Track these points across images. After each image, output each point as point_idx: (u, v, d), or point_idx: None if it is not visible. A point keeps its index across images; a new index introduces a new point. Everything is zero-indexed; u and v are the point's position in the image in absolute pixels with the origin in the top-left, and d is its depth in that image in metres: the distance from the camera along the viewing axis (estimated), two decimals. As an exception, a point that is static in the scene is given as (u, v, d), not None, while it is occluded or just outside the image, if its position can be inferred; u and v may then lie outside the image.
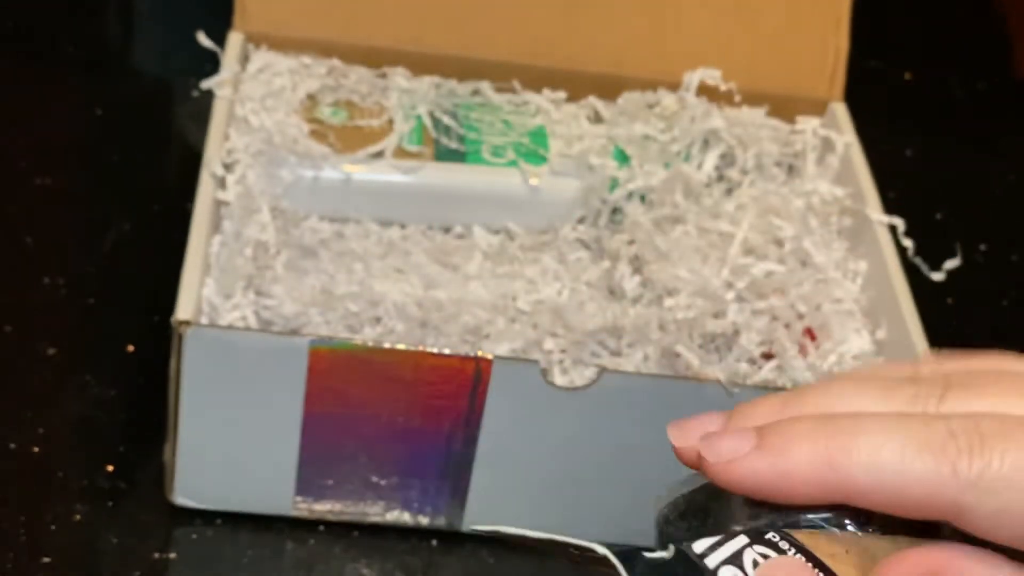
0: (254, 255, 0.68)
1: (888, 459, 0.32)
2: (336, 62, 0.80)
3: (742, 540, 0.33)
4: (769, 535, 0.33)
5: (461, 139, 0.77)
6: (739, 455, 0.34)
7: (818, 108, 0.83)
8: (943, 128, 1.06)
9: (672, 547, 0.33)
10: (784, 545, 0.33)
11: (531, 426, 0.64)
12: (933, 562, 0.32)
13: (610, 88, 0.82)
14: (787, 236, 0.73)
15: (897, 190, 0.94)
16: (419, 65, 0.81)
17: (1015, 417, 0.33)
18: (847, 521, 0.34)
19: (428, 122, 0.77)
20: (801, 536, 0.33)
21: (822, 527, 0.34)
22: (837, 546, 0.33)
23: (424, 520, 0.67)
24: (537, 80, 0.82)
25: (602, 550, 0.33)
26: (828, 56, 0.84)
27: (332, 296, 0.68)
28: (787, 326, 0.69)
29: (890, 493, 0.32)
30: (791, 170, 0.81)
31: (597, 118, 0.81)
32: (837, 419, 0.34)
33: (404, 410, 0.63)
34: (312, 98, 0.77)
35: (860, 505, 0.33)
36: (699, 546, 0.33)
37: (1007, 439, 0.32)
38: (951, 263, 0.73)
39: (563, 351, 0.68)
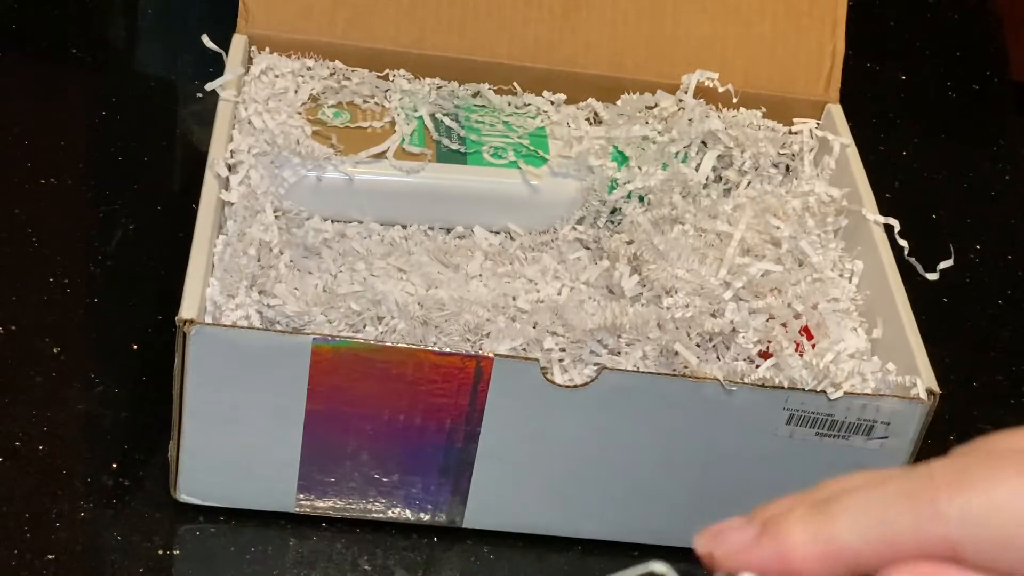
0: (257, 255, 0.68)
1: (871, 513, 0.32)
2: (338, 64, 0.80)
3: None
4: None
5: (462, 140, 0.77)
6: (744, 545, 0.34)
7: (815, 110, 0.83)
8: (939, 129, 1.07)
9: None
10: None
11: (531, 424, 0.65)
12: (932, 571, 0.32)
13: (609, 90, 0.82)
14: (784, 236, 0.74)
15: (893, 190, 0.94)
16: (421, 67, 0.81)
17: (1004, 449, 0.32)
18: None
19: (429, 124, 0.77)
20: None
21: None
22: None
23: (426, 517, 0.68)
24: (537, 82, 0.82)
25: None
26: (825, 58, 0.84)
27: (334, 295, 0.68)
28: (784, 325, 0.69)
29: (882, 547, 0.32)
30: (788, 171, 0.82)
31: (596, 120, 0.82)
32: (828, 499, 0.34)
33: (406, 408, 0.64)
34: (315, 100, 0.78)
35: (864, 572, 0.33)
36: None
37: (993, 467, 0.32)
38: (946, 263, 0.74)
39: (563, 350, 0.68)
